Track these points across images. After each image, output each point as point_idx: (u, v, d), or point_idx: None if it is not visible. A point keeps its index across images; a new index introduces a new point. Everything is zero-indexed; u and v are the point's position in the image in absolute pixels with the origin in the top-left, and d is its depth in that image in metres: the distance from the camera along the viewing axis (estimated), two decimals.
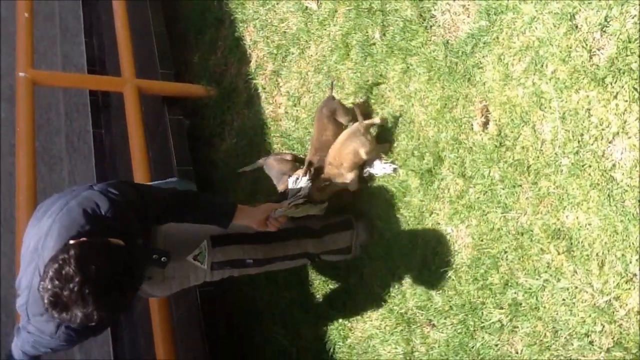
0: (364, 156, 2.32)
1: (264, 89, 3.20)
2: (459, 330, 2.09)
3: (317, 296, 2.67)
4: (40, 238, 1.74)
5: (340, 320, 2.53)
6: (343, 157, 2.33)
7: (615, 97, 1.75)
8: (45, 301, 1.57)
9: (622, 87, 1.74)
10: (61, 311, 1.56)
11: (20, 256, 1.84)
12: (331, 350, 2.54)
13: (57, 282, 1.55)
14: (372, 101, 2.51)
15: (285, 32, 3.10)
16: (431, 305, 2.19)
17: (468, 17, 2.20)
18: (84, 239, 1.68)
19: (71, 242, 1.67)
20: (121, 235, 1.76)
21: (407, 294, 2.29)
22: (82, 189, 1.83)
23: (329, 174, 2.38)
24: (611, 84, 1.77)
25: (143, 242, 2.00)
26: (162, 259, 2.05)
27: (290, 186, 2.40)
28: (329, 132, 2.44)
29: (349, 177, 2.37)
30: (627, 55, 1.74)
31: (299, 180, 2.37)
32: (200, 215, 2.12)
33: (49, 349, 1.94)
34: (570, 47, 1.88)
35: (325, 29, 2.83)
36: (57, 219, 1.74)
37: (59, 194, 1.89)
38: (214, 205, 2.16)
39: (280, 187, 2.58)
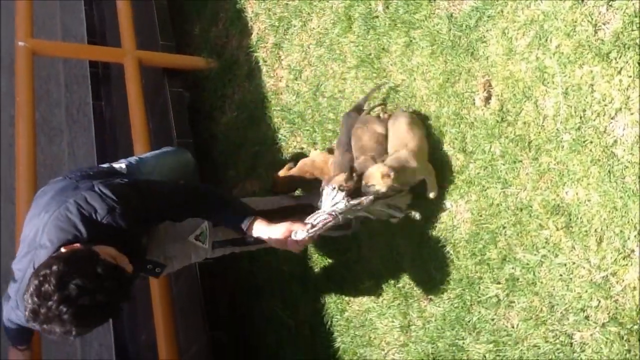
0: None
1: (265, 62, 3.17)
2: (455, 305, 2.10)
3: (316, 270, 2.69)
4: (38, 231, 1.77)
5: (338, 294, 2.55)
6: (408, 139, 2.11)
7: (619, 72, 1.74)
8: (26, 312, 1.59)
9: (627, 62, 1.72)
10: (41, 324, 1.58)
11: (21, 238, 1.86)
12: (329, 323, 2.56)
13: (35, 299, 1.55)
14: (374, 75, 2.49)
15: (287, 4, 3.06)
16: (428, 280, 2.20)
17: None
18: (77, 246, 1.69)
19: (62, 250, 1.69)
20: (118, 240, 1.77)
21: (404, 268, 2.30)
22: (85, 187, 1.83)
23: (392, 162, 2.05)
24: (615, 59, 1.75)
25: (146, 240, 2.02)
26: (157, 269, 2.08)
27: (324, 196, 2.01)
28: (366, 137, 2.24)
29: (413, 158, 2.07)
30: (632, 30, 1.71)
31: (336, 193, 1.97)
32: (205, 214, 2.10)
33: None
34: (576, 21, 1.85)
35: (327, 1, 2.79)
36: (53, 216, 1.75)
37: (64, 182, 1.91)
38: (221, 211, 2.08)
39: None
